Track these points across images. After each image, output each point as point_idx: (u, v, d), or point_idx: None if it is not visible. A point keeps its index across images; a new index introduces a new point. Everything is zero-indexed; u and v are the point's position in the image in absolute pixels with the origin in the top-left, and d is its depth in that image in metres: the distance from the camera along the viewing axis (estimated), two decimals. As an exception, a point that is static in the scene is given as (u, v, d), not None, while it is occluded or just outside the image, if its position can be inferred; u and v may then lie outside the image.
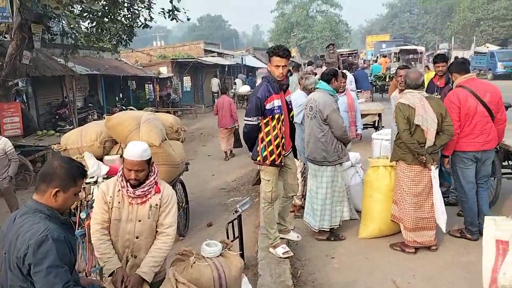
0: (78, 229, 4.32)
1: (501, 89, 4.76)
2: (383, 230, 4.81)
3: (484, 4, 42.68)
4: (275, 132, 4.13)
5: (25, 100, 11.54)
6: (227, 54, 30.41)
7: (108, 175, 4.86)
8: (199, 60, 24.17)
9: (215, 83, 25.15)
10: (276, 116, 4.11)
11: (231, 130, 11.00)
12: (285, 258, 4.22)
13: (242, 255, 4.55)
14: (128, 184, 2.96)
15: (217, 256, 3.18)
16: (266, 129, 4.13)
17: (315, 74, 8.41)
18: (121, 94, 19.68)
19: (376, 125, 9.65)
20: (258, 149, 4.18)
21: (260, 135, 4.16)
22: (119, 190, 3.00)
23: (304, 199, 5.55)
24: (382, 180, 4.79)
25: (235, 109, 11.15)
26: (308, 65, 15.21)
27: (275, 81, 4.11)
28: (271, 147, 4.13)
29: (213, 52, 29.32)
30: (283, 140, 4.21)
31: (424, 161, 4.21)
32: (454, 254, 4.34)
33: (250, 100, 4.15)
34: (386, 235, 4.81)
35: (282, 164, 4.31)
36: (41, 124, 12.87)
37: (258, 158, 4.19)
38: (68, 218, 4.28)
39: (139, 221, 2.99)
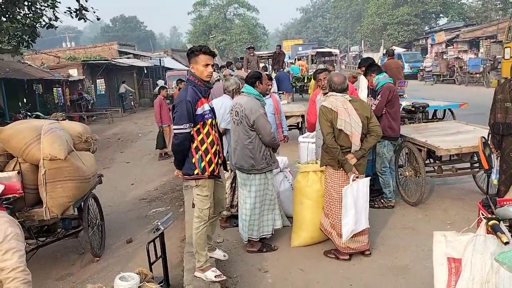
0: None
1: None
2: (315, 237, 4.63)
3: (390, 10, 45.70)
4: (210, 139, 3.70)
5: None
6: (144, 56, 29.27)
7: (3, 195, 4.14)
8: (113, 62, 22.90)
9: (122, 88, 24.34)
10: (208, 121, 3.69)
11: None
12: (218, 281, 3.81)
13: (166, 277, 4.11)
14: None
15: (135, 291, 2.71)
16: (199, 137, 3.66)
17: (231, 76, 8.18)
18: (25, 99, 17.91)
19: (300, 126, 9.62)
20: (193, 161, 3.67)
21: (194, 145, 3.67)
22: None
23: (235, 209, 5.23)
24: (312, 186, 4.61)
25: (165, 109, 10.71)
26: (227, 67, 14.99)
27: (203, 83, 3.71)
28: (208, 156, 3.69)
29: (129, 53, 28.07)
30: (218, 147, 3.81)
31: (346, 169, 4.07)
32: (388, 258, 4.26)
33: (178, 105, 3.59)
34: (319, 241, 4.63)
35: (219, 175, 3.91)
36: None
37: (196, 171, 3.68)
38: None
39: None
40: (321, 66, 9.50)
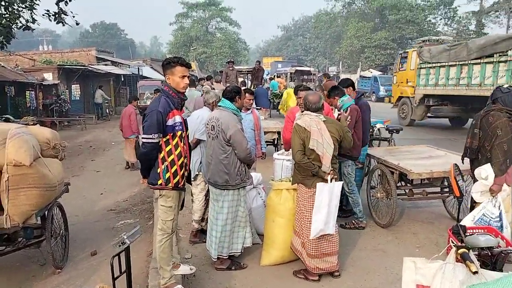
0: None
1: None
2: (285, 256, 4.57)
3: (368, 33, 46.89)
4: (178, 151, 3.66)
5: None
6: (123, 64, 28.91)
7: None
8: (89, 68, 22.52)
9: (98, 94, 23.84)
10: (178, 133, 3.65)
11: (133, 141, 10.50)
12: (183, 300, 3.69)
13: (130, 293, 3.96)
14: None
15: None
16: (167, 148, 3.63)
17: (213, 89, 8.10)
18: (-4, 101, 17.36)
19: (275, 143, 9.62)
20: (158, 171, 3.64)
21: (161, 155, 3.63)
22: None
23: (205, 222, 5.13)
24: (284, 204, 4.56)
25: (134, 120, 10.53)
26: (206, 80, 14.98)
27: (177, 94, 3.68)
28: (174, 168, 3.64)
29: (107, 60, 27.69)
30: (185, 160, 3.77)
31: (322, 176, 4.07)
32: (357, 280, 4.24)
33: (149, 115, 3.57)
34: (289, 261, 4.57)
35: (184, 187, 3.84)
36: None
37: (160, 182, 3.64)
38: None
39: None
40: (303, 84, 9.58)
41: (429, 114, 14.86)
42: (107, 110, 24.57)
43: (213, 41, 55.31)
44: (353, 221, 5.59)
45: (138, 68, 29.69)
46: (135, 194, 8.44)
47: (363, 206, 5.71)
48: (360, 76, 36.35)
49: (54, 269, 4.94)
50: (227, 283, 4.23)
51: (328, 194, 4.05)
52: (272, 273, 4.43)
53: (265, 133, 8.89)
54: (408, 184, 5.79)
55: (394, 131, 8.17)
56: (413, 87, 15.05)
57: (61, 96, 20.66)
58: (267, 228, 4.69)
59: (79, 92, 23.81)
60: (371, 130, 7.24)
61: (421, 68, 14.26)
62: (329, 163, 4.07)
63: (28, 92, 18.96)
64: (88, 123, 20.23)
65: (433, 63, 13.52)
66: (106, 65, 26.20)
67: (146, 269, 4.77)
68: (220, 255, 4.45)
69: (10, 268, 5.12)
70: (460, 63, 12.24)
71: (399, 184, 5.67)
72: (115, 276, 3.78)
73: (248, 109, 5.73)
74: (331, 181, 4.07)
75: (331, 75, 10.83)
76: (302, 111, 4.55)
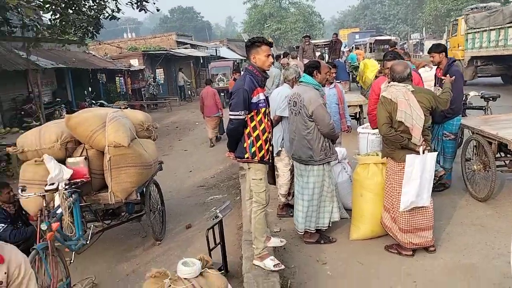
0: (39, 242, 3.83)
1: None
2: (375, 231, 4.47)
3: (454, -6, 43.31)
4: (262, 127, 3.77)
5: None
6: (201, 46, 29.78)
7: (72, 179, 4.37)
8: (171, 52, 23.49)
9: (179, 77, 24.60)
10: (262, 110, 3.77)
11: (216, 118, 11.37)
12: (277, 270, 3.79)
13: (225, 263, 4.16)
14: None
15: (196, 277, 2.73)
16: (252, 124, 3.76)
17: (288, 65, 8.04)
18: (90, 88, 18.83)
19: (358, 116, 9.36)
20: (245, 145, 3.79)
21: (246, 131, 3.77)
22: None
23: (291, 197, 5.19)
24: (372, 178, 4.44)
25: (219, 99, 11.57)
26: (283, 57, 14.87)
27: (261, 73, 3.79)
28: (259, 142, 3.77)
29: (186, 44, 28.67)
30: (270, 135, 3.88)
31: (412, 148, 3.89)
32: (454, 256, 4.03)
33: (236, 93, 3.72)
34: (379, 235, 4.48)
35: (270, 162, 3.93)
36: (6, 121, 12.09)
37: (246, 155, 3.79)
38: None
39: None
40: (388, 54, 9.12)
41: (478, 74, 16.41)
42: (189, 91, 25.52)
43: (287, 17, 54.54)
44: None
45: (216, 49, 30.37)
46: (221, 171, 8.74)
47: (458, 179, 5.39)
48: (446, 41, 33.82)
49: (154, 241, 5.33)
50: (317, 257, 4.26)
51: (419, 166, 3.87)
52: (363, 248, 4.37)
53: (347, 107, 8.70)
54: (509, 155, 5.33)
55: (491, 98, 7.51)
56: (463, 50, 17.04)
57: (155, 80, 21.83)
58: (355, 203, 4.62)
59: (163, 76, 24.96)
60: (463, 98, 6.73)
61: (468, 33, 16.33)
62: (419, 135, 3.87)
63: (118, 78, 20.31)
64: (173, 105, 21.20)
65: (477, 28, 15.54)
66: (185, 48, 27.13)
67: (237, 242, 4.97)
68: (308, 229, 4.48)
69: (115, 240, 5.62)
70: (498, 27, 14.05)
71: (498, 155, 5.25)
72: (210, 248, 4.01)
73: (331, 83, 5.61)
74: (423, 153, 3.89)
75: (411, 43, 10.80)
76: (389, 82, 4.36)
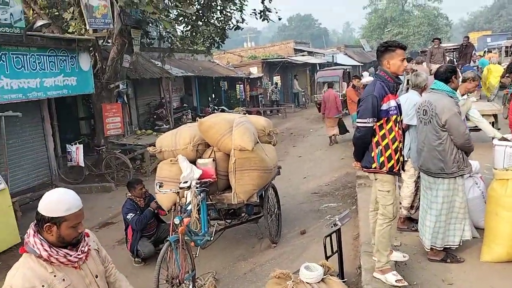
0: (172, 235, 4.23)
1: None
2: (510, 254, 4.03)
3: None
4: (392, 135, 3.62)
5: (126, 101, 12.16)
6: (318, 53, 29.85)
7: (201, 179, 4.72)
8: (288, 60, 23.98)
9: (295, 84, 24.97)
10: (393, 118, 3.61)
11: (336, 120, 12.17)
12: (399, 286, 3.63)
13: (341, 272, 4.12)
14: (67, 248, 2.11)
15: (318, 282, 2.76)
16: (381, 132, 3.62)
17: (413, 71, 7.61)
18: (213, 95, 20.13)
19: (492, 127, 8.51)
20: (372, 155, 3.66)
21: (375, 139, 3.65)
22: (52, 270, 2.05)
23: (414, 210, 4.94)
24: (511, 195, 4.01)
25: (339, 101, 12.50)
26: (407, 62, 14.18)
27: (393, 79, 3.65)
28: (388, 152, 3.62)
29: (303, 51, 29.01)
30: (401, 144, 3.70)
31: None
32: None
33: (364, 100, 3.62)
34: (516, 260, 4.03)
35: (400, 173, 3.78)
36: (141, 124, 13.53)
37: (374, 165, 3.66)
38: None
39: (96, 277, 2.23)
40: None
41: None
42: (303, 98, 25.75)
43: (409, 20, 51.96)
44: None
45: (333, 56, 30.16)
46: (336, 179, 8.65)
47: None
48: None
49: (270, 243, 5.50)
50: (443, 276, 3.98)
51: None
52: (496, 271, 3.96)
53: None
54: None
55: None
56: None
57: (277, 86, 22.69)
58: (489, 222, 4.21)
59: (280, 83, 25.59)
60: None
61: None
62: None
63: (238, 85, 21.37)
64: (288, 112, 21.61)
65: None
66: (303, 55, 27.44)
67: (353, 252, 4.89)
68: (434, 246, 4.21)
69: (234, 239, 5.92)
70: None
71: None
72: (327, 255, 4.00)
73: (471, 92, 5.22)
74: None
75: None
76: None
